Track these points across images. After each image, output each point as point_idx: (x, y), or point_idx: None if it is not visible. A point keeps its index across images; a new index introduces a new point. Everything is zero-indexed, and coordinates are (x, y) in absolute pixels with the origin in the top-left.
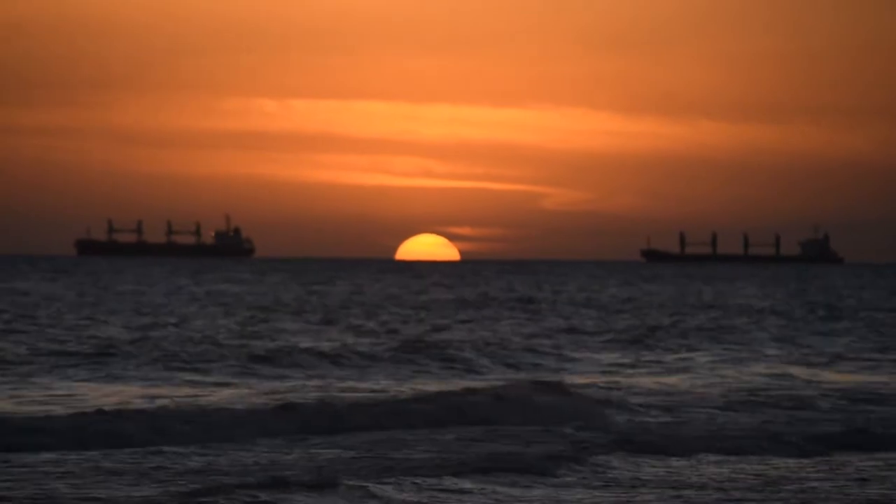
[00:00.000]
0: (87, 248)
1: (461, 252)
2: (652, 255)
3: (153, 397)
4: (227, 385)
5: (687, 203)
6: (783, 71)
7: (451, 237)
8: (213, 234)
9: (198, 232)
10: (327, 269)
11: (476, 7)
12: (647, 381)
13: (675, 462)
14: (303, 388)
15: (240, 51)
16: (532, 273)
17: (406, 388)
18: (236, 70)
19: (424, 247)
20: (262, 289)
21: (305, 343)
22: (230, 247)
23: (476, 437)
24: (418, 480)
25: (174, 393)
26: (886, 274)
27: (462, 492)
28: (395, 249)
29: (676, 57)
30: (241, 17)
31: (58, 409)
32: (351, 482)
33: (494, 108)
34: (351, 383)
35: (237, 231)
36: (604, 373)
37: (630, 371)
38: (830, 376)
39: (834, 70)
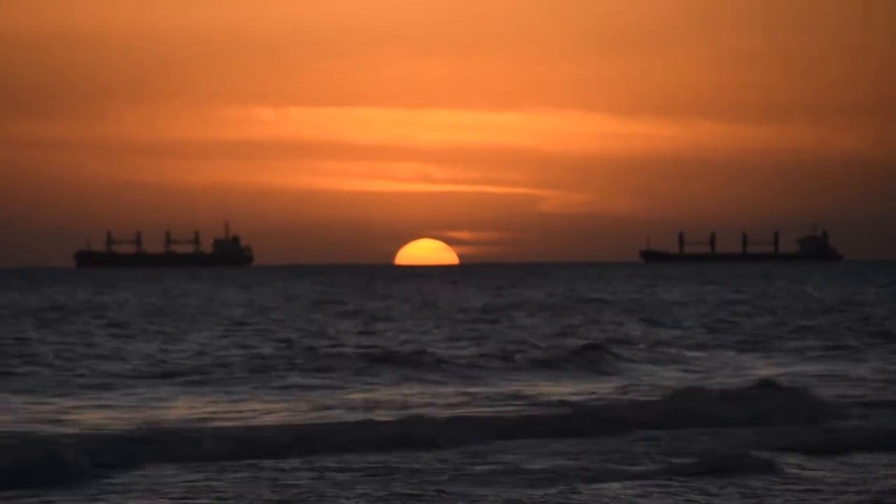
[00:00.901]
0: (87, 259)
1: (460, 256)
2: (651, 256)
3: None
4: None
5: (685, 203)
6: (779, 71)
7: (450, 241)
8: (211, 242)
9: (196, 241)
10: (353, 276)
11: (471, 12)
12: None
13: None
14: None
15: (237, 59)
16: (600, 278)
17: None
18: (233, 78)
19: (423, 251)
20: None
21: (450, 349)
22: (229, 255)
23: (707, 436)
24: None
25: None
26: (891, 271)
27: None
28: (394, 255)
29: (673, 58)
30: (238, 26)
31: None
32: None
33: (491, 112)
34: (551, 387)
35: (236, 239)
36: (799, 374)
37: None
38: None
39: (830, 70)
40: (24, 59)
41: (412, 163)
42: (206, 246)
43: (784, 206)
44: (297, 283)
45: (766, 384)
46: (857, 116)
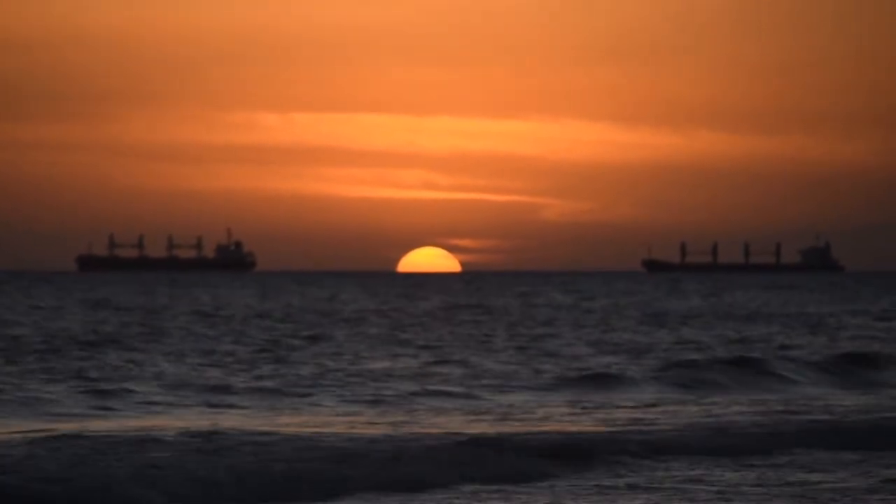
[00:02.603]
0: (89, 263)
1: (462, 264)
2: (653, 265)
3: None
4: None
5: (687, 212)
6: (781, 80)
7: (452, 249)
8: (214, 248)
9: (199, 246)
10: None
11: (476, 20)
12: None
13: None
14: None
15: (242, 64)
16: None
17: None
18: (238, 83)
19: (426, 259)
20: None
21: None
22: (232, 260)
23: None
24: None
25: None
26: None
27: None
28: (396, 262)
29: (675, 67)
30: (243, 31)
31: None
32: None
33: (495, 120)
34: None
35: (238, 245)
36: None
37: None
38: None
39: (832, 79)
40: (27, 60)
41: (416, 169)
42: (209, 251)
43: (786, 216)
44: (345, 290)
45: None
46: (859, 126)
